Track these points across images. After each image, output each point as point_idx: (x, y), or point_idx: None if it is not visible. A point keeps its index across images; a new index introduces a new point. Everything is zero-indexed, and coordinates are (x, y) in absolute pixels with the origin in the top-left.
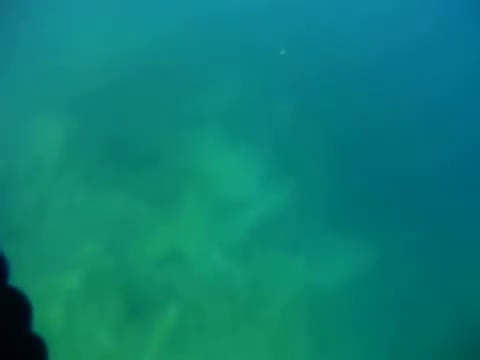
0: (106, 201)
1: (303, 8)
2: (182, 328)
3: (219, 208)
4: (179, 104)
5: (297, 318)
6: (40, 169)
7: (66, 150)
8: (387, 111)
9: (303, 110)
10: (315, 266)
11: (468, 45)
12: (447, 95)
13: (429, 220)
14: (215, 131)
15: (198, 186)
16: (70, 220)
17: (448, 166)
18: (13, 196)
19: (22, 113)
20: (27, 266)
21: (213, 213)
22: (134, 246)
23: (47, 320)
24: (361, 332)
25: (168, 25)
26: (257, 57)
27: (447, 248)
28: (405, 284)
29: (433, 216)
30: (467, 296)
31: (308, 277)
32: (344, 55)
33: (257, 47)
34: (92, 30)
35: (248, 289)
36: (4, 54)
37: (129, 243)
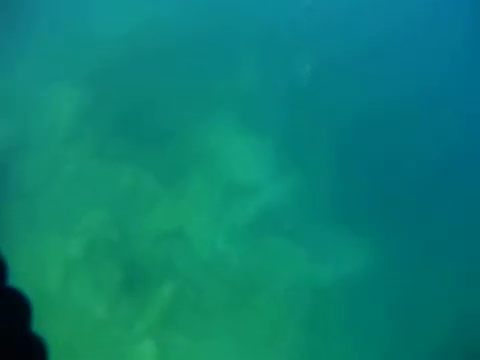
0: (115, 173)
1: None
2: (177, 306)
3: (226, 192)
4: (198, 84)
5: (293, 308)
6: (53, 136)
7: (80, 119)
8: (404, 109)
9: (320, 102)
10: (316, 259)
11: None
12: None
13: (434, 220)
14: (230, 116)
15: (207, 168)
16: (78, 189)
17: (457, 164)
18: (24, 161)
19: (38, 81)
20: (32, 229)
21: (220, 196)
22: (138, 220)
23: (43, 284)
24: (358, 327)
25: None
26: (279, 44)
27: (451, 248)
28: (406, 283)
29: (439, 216)
30: (467, 299)
31: (308, 269)
32: (371, 49)
33: (280, 35)
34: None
35: (247, 275)
36: (23, 22)
37: (133, 217)
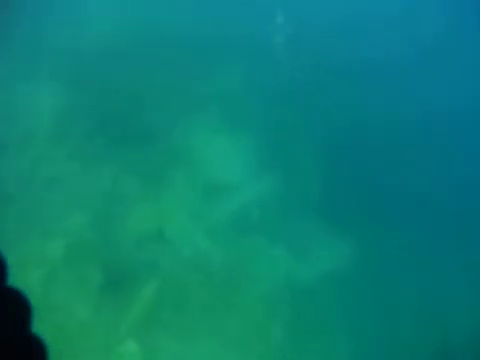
0: (95, 174)
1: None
2: (159, 306)
3: (207, 192)
4: (179, 84)
5: (275, 307)
6: (32, 138)
7: (60, 121)
8: (387, 112)
9: (302, 103)
10: (298, 257)
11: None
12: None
13: (418, 219)
14: (212, 116)
15: (188, 168)
16: (58, 191)
17: (442, 167)
18: (4, 163)
19: (17, 81)
20: (11, 231)
21: (201, 196)
22: (119, 221)
23: (23, 286)
24: (341, 326)
25: (184, 4)
26: (262, 46)
27: (434, 248)
28: (389, 280)
29: (423, 215)
30: (450, 298)
31: (290, 267)
32: (351, 51)
33: (263, 38)
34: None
35: (229, 274)
36: (3, 22)
37: (114, 218)
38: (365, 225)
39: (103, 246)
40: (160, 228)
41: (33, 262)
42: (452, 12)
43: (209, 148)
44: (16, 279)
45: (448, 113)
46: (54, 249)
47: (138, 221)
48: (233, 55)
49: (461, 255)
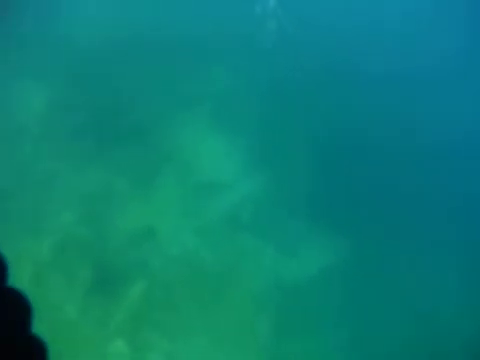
0: (85, 173)
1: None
2: (149, 304)
3: (198, 191)
4: (170, 83)
5: (265, 305)
6: (22, 135)
7: (49, 118)
8: (375, 118)
9: (293, 104)
10: (287, 256)
11: None
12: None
13: (405, 219)
14: (202, 115)
15: (179, 167)
16: (48, 189)
17: (426, 170)
18: None
19: (5, 79)
20: (1, 230)
21: (191, 195)
22: (108, 220)
23: (15, 284)
24: (329, 325)
25: (170, 4)
26: (256, 46)
27: (426, 247)
28: (378, 281)
29: (409, 215)
30: (438, 297)
31: (279, 266)
32: (346, 59)
33: (256, 37)
34: (90, 2)
35: (218, 272)
36: None
37: (104, 217)
38: (356, 225)
39: (93, 245)
40: (150, 227)
41: (22, 261)
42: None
43: (200, 147)
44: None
45: (443, 121)
46: (43, 248)
47: (128, 220)
48: (225, 54)
49: (454, 255)
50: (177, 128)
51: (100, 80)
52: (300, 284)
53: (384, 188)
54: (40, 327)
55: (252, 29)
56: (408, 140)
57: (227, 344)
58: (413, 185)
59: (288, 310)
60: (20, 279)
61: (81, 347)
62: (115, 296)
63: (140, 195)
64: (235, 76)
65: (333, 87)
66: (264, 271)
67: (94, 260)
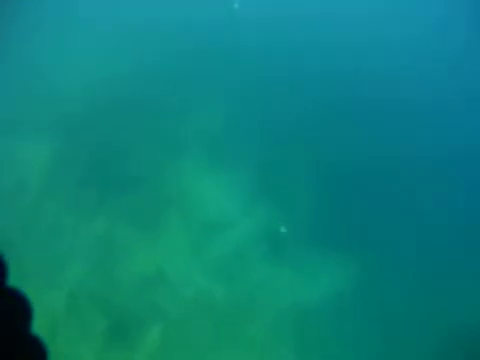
0: (90, 223)
1: (295, 42)
2: (166, 346)
3: (202, 229)
4: (164, 129)
5: (281, 335)
6: (25, 190)
7: (51, 171)
8: (372, 147)
9: (289, 137)
10: (299, 284)
11: None
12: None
13: (411, 240)
14: (198, 156)
15: (181, 208)
16: (55, 241)
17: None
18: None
19: (6, 134)
20: (12, 281)
21: (197, 234)
22: (118, 268)
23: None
24: (345, 347)
25: (155, 53)
26: (241, 86)
27: (427, 266)
28: (387, 301)
29: (415, 236)
30: (445, 313)
31: (291, 295)
32: (337, 92)
33: (242, 77)
34: (80, 54)
35: (232, 307)
36: None
37: (113, 264)
38: (361, 250)
39: (105, 293)
40: (160, 270)
41: (36, 312)
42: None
43: (201, 187)
44: None
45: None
46: (56, 299)
47: (138, 265)
48: (215, 97)
49: (462, 278)
50: (176, 171)
51: (94, 131)
52: (315, 312)
53: (393, 214)
54: None
55: (243, 63)
56: (410, 165)
57: None
58: (415, 203)
59: (305, 338)
60: (34, 331)
61: None
62: (132, 342)
63: (146, 240)
64: (229, 113)
65: (329, 117)
66: (278, 302)
67: (108, 308)
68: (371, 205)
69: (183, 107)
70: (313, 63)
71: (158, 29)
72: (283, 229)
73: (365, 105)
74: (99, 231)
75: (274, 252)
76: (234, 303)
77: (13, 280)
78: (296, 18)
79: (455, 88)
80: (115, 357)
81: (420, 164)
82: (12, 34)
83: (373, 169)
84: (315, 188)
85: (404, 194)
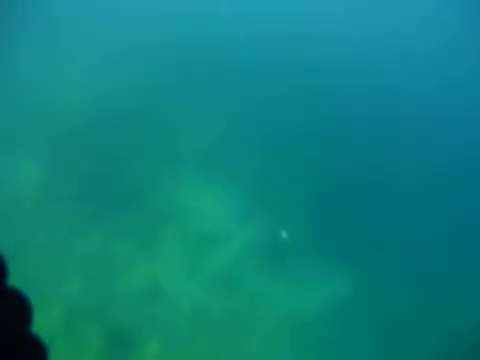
0: (86, 238)
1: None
2: (165, 359)
3: (199, 243)
4: (160, 143)
5: (279, 346)
6: (20, 205)
7: (47, 186)
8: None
9: (285, 149)
10: (296, 295)
11: None
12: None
13: (408, 249)
14: (194, 170)
15: (178, 223)
16: (51, 256)
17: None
18: None
19: (1, 149)
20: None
21: (193, 249)
22: (114, 282)
23: None
24: (344, 357)
25: (153, 68)
26: (239, 101)
27: (424, 275)
28: (384, 310)
29: (411, 245)
30: (443, 322)
31: (289, 306)
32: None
33: (240, 92)
34: (75, 69)
35: (229, 320)
36: None
37: (110, 279)
38: (357, 260)
39: (102, 308)
40: (157, 284)
41: (34, 327)
42: None
43: (197, 201)
44: None
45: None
46: (52, 317)
47: (135, 280)
48: (215, 105)
49: (461, 288)
50: (172, 185)
51: (88, 146)
52: (312, 322)
53: (389, 227)
54: None
55: (242, 79)
56: (406, 176)
57: None
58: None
59: (303, 349)
60: None
61: None
62: (130, 356)
63: (142, 254)
64: (227, 128)
65: (324, 130)
66: (275, 313)
67: (105, 324)
68: (366, 217)
69: (180, 122)
70: (310, 79)
71: (156, 43)
72: (284, 234)
73: (360, 119)
74: (95, 245)
75: (271, 264)
76: (231, 316)
77: None
78: (293, 37)
79: (458, 107)
80: None
81: (417, 175)
82: (2, 50)
83: (368, 181)
84: (312, 199)
85: (400, 204)
